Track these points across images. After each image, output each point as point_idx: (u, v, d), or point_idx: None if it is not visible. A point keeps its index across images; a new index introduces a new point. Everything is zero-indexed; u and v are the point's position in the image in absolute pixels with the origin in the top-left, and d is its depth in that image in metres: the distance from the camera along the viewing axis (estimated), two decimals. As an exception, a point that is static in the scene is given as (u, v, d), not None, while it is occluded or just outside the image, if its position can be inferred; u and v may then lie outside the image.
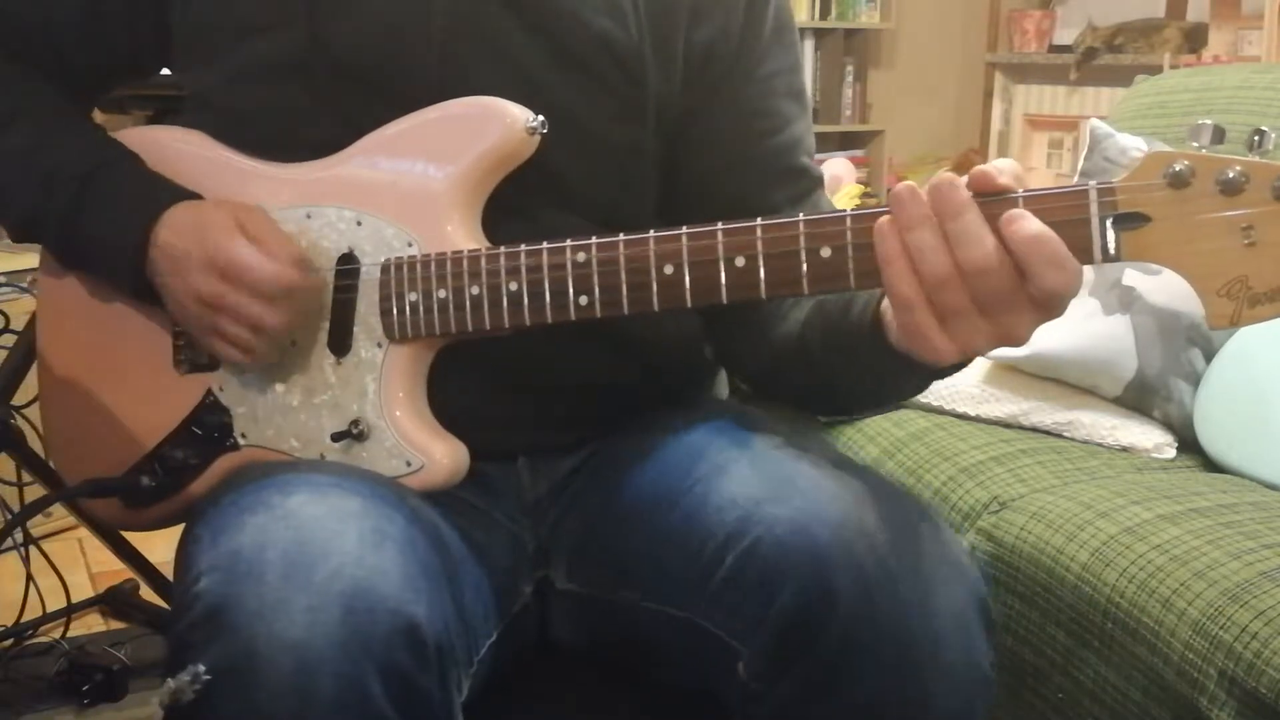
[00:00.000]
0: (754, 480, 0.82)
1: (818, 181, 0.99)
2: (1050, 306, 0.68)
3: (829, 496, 0.79)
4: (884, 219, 0.70)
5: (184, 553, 0.79)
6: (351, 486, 0.78)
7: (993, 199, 0.69)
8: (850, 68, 4.20)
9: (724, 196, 0.94)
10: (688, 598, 0.82)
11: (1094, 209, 0.68)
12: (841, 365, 0.85)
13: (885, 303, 0.76)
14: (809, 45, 4.03)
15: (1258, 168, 0.66)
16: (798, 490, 0.80)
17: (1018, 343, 0.70)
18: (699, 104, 0.94)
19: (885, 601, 0.74)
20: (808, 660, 0.76)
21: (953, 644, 0.76)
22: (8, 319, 1.59)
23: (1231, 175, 0.66)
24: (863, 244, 0.72)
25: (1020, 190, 0.69)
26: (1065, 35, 3.90)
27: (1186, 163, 0.67)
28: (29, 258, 2.02)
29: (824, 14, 4.06)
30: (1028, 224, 0.67)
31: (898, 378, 0.82)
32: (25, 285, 1.88)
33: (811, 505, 0.78)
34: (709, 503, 0.83)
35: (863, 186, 2.57)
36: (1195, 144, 0.68)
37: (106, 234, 0.91)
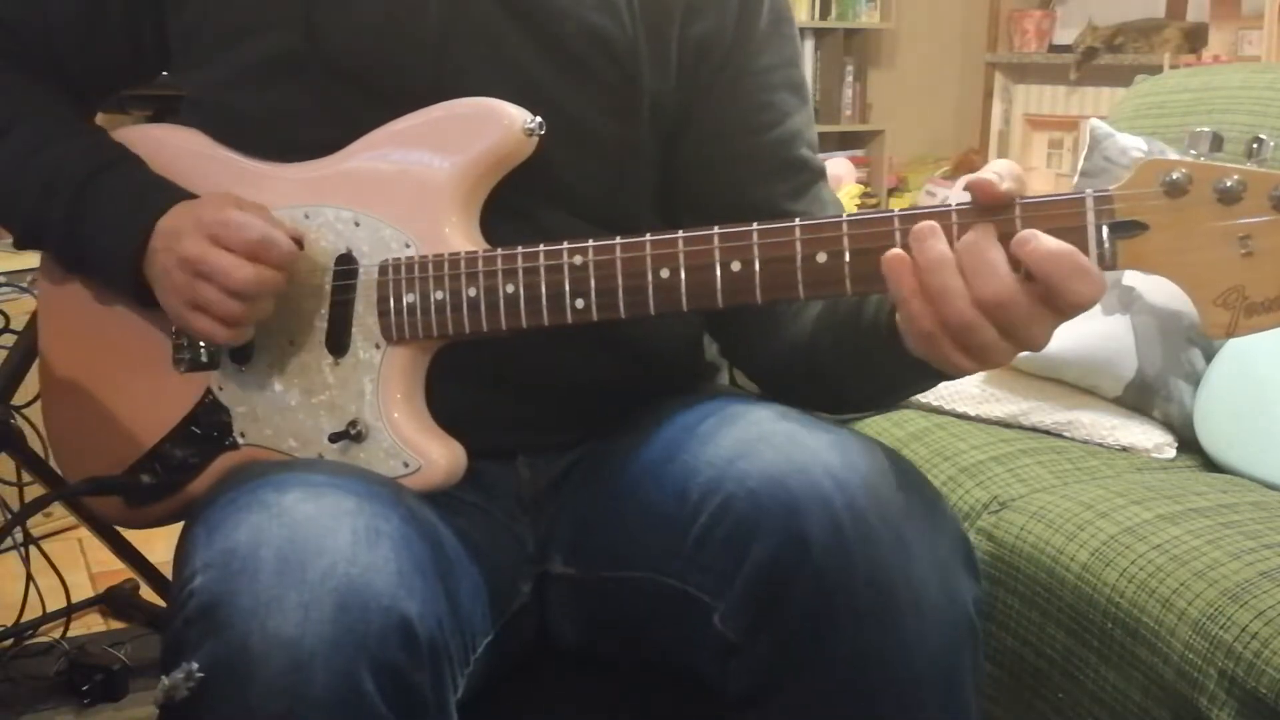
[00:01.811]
0: (732, 441, 0.82)
1: (819, 174, 0.98)
2: (1075, 314, 0.69)
3: (805, 449, 0.78)
4: (896, 254, 0.70)
5: (181, 551, 0.80)
6: (347, 485, 0.78)
7: (990, 209, 0.68)
8: (850, 68, 4.20)
9: (723, 191, 0.94)
10: (669, 563, 0.82)
11: (1090, 217, 0.68)
12: (853, 367, 0.85)
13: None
14: (809, 45, 4.03)
15: (1256, 177, 0.66)
16: (772, 446, 0.79)
17: (1037, 349, 0.70)
18: (695, 99, 0.94)
19: (860, 548, 0.74)
20: (784, 611, 0.75)
21: (933, 588, 0.75)
22: (8, 319, 1.59)
23: (1229, 184, 0.66)
24: (859, 250, 0.72)
25: (1019, 196, 0.69)
26: (1065, 35, 3.90)
27: (1184, 171, 0.66)
28: (29, 258, 2.02)
29: (824, 14, 4.06)
30: (1043, 241, 0.67)
31: (910, 381, 0.83)
32: (25, 285, 1.88)
33: (785, 457, 0.77)
34: (689, 468, 0.82)
35: (863, 186, 2.57)
36: (1194, 151, 0.68)
37: (106, 238, 0.91)
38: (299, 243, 0.86)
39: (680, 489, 0.82)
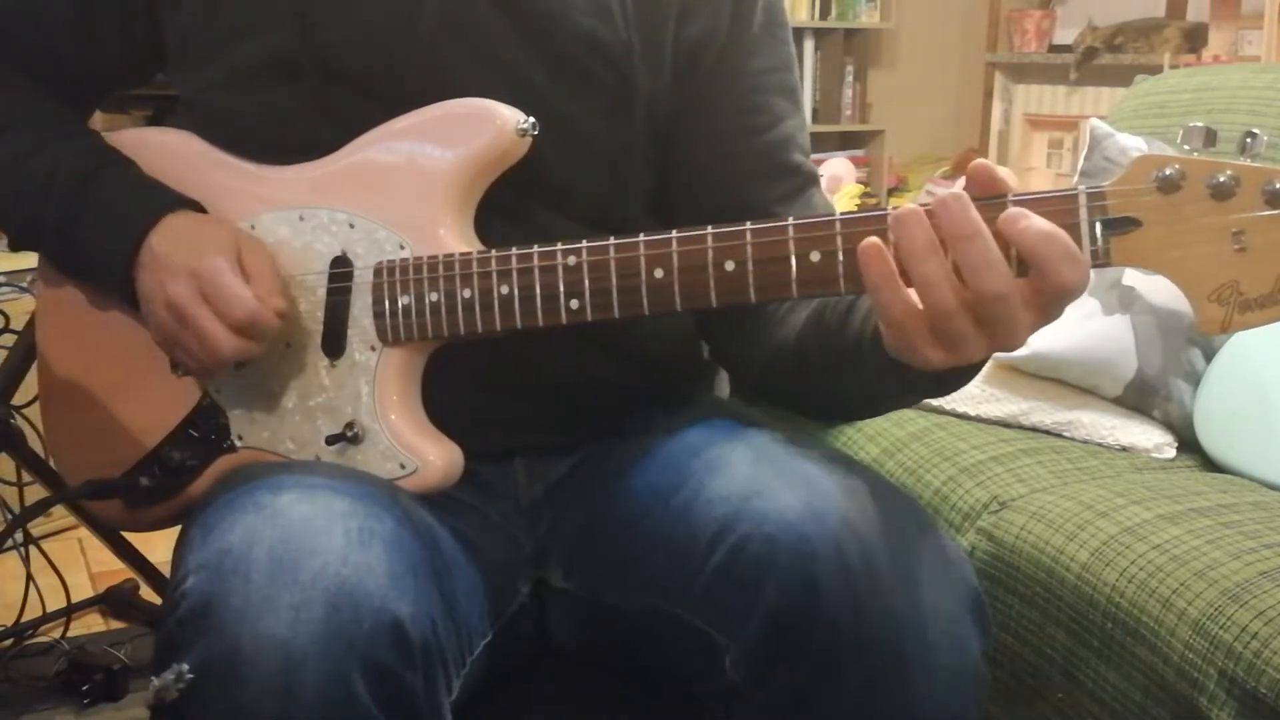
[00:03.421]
0: (745, 476, 0.82)
1: (811, 179, 0.98)
2: (1056, 308, 0.68)
3: (819, 493, 0.78)
4: (871, 241, 0.69)
5: (177, 552, 0.80)
6: (342, 487, 0.78)
7: (983, 204, 0.68)
8: (850, 68, 4.20)
9: (715, 194, 0.94)
10: (678, 595, 0.82)
11: (1083, 213, 0.68)
12: (840, 376, 0.85)
13: None
14: (809, 45, 4.03)
15: (1248, 172, 0.65)
16: (788, 486, 0.79)
17: (1013, 349, 0.69)
18: (689, 102, 0.94)
19: (873, 600, 0.74)
20: (795, 659, 0.75)
21: (944, 642, 0.75)
22: (8, 319, 1.60)
23: (1222, 179, 0.65)
24: (853, 249, 0.72)
25: (1011, 193, 0.69)
26: (1065, 35, 3.90)
27: (1177, 166, 0.66)
28: (29, 258, 2.02)
29: (824, 14, 4.06)
30: (1035, 222, 0.66)
31: (896, 393, 0.82)
32: (25, 285, 1.88)
33: (801, 502, 0.77)
34: (700, 499, 0.82)
35: (863, 186, 2.56)
36: (1187, 147, 0.67)
37: (100, 241, 0.91)
38: (283, 315, 0.86)
39: (691, 521, 0.82)
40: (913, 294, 0.69)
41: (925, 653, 0.75)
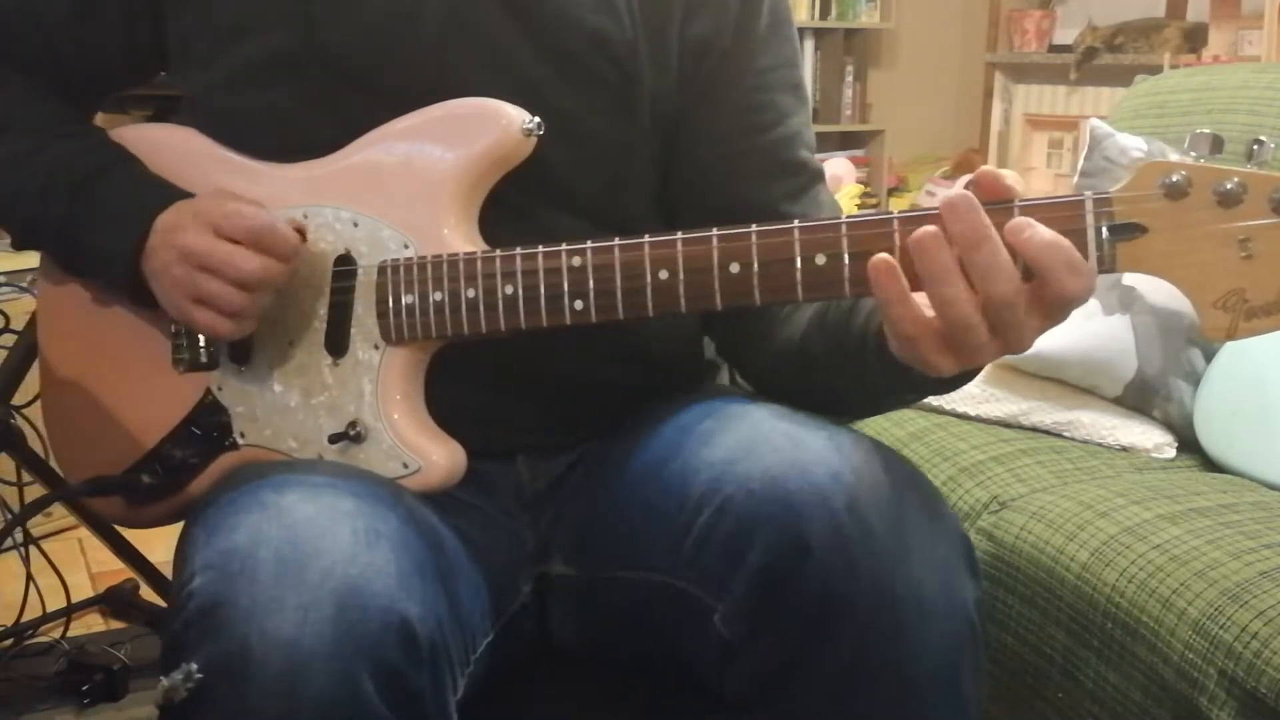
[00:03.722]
0: (733, 442, 0.82)
1: (817, 175, 0.98)
2: (1060, 313, 0.68)
3: (807, 451, 0.78)
4: (882, 259, 0.69)
5: (181, 552, 0.80)
6: (346, 486, 0.78)
7: (988, 209, 0.68)
8: (850, 68, 4.20)
9: (721, 192, 0.94)
10: (669, 563, 0.82)
11: (1090, 219, 0.68)
12: (843, 373, 0.85)
13: None
14: (809, 45, 4.03)
15: (1256, 179, 0.65)
16: (772, 447, 0.79)
17: (1020, 352, 0.70)
18: (695, 99, 0.94)
19: (861, 549, 0.74)
20: (784, 613, 0.75)
21: (934, 589, 0.75)
22: (8, 319, 1.60)
23: (1229, 186, 0.65)
24: (858, 252, 0.72)
25: (1017, 199, 0.69)
26: (1065, 35, 3.90)
27: (1184, 173, 0.66)
28: (29, 258, 2.02)
29: (824, 14, 4.06)
30: (1039, 231, 0.66)
31: (899, 392, 0.82)
32: (25, 285, 1.88)
33: (785, 458, 0.77)
34: (690, 468, 0.82)
35: (863, 186, 2.57)
36: (1194, 153, 0.68)
37: (103, 236, 0.91)
38: (301, 234, 0.86)
39: (680, 489, 0.82)
40: (925, 308, 0.69)
41: (917, 601, 0.74)
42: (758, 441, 0.80)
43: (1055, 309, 0.68)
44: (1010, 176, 0.70)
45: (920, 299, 0.69)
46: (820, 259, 0.73)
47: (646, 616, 0.87)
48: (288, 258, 0.85)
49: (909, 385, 0.77)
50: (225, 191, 0.88)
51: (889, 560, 0.74)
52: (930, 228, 0.68)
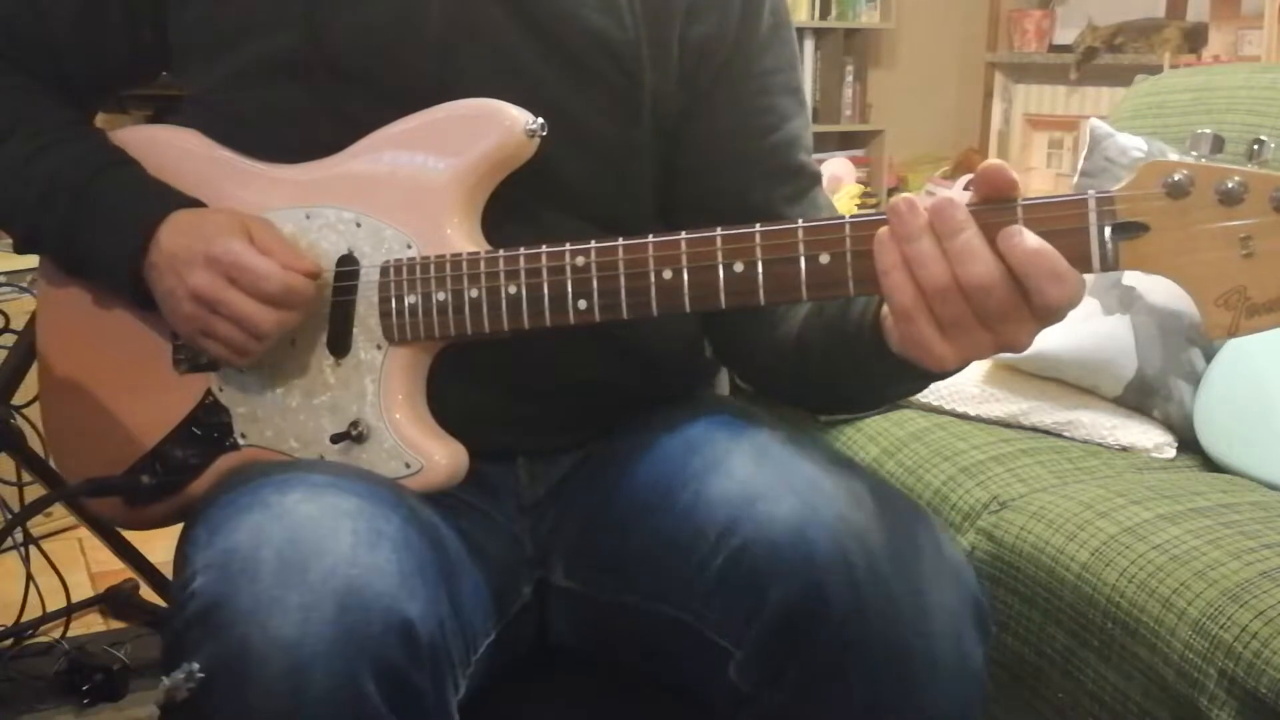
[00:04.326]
0: (748, 477, 0.82)
1: (815, 179, 0.98)
2: (1050, 317, 0.68)
3: (824, 497, 0.78)
4: (884, 229, 0.70)
5: (182, 551, 0.80)
6: (348, 486, 0.78)
7: (992, 208, 0.69)
8: (850, 68, 4.20)
9: (722, 194, 0.94)
10: (681, 598, 0.82)
11: (1092, 218, 0.68)
12: (841, 366, 0.85)
13: (886, 308, 0.76)
14: (809, 45, 4.03)
15: (1257, 178, 0.66)
16: (792, 489, 0.79)
17: (1018, 350, 0.70)
18: (696, 101, 0.94)
19: (877, 604, 0.74)
20: (799, 663, 0.76)
21: (946, 647, 0.76)
22: (8, 319, 1.59)
23: (1230, 185, 0.66)
24: (861, 250, 0.72)
25: (1019, 198, 0.69)
26: (1065, 35, 3.91)
27: (1185, 172, 0.66)
28: (29, 258, 2.02)
29: (824, 14, 4.06)
30: (1025, 239, 0.67)
31: (898, 380, 0.82)
32: (25, 285, 1.88)
33: (805, 505, 0.78)
34: (702, 500, 0.83)
35: (863, 186, 2.56)
36: (1195, 153, 0.68)
37: (105, 242, 0.91)
38: (313, 276, 0.86)
39: (694, 523, 0.82)
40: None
41: (931, 659, 0.75)
42: (772, 481, 0.81)
43: (1042, 314, 0.68)
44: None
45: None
46: (824, 258, 0.74)
47: (655, 644, 0.88)
48: (301, 310, 0.86)
49: (906, 371, 0.77)
50: (233, 220, 0.87)
51: (905, 617, 0.75)
52: (907, 195, 0.70)
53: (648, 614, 0.86)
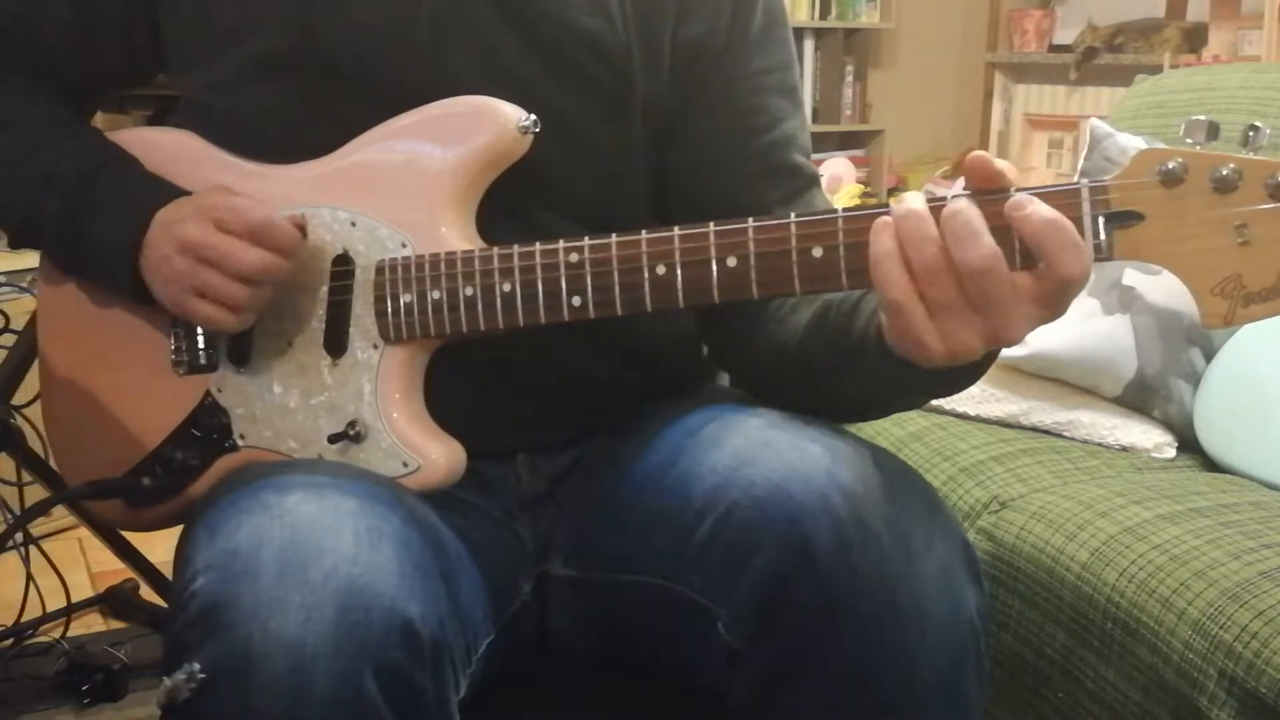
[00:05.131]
0: (736, 448, 0.82)
1: (812, 180, 0.98)
2: (1059, 299, 0.68)
3: (807, 456, 0.78)
4: (883, 218, 0.70)
5: (182, 552, 0.80)
6: (348, 486, 0.78)
7: (986, 197, 0.68)
8: (850, 68, 4.20)
9: (715, 195, 0.94)
10: (673, 568, 0.82)
11: (1086, 207, 0.68)
12: (843, 377, 0.85)
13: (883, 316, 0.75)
14: (809, 45, 4.03)
15: (1251, 165, 0.65)
16: (775, 452, 0.79)
17: (1012, 342, 0.69)
18: (688, 102, 0.94)
19: (864, 555, 0.74)
20: (788, 618, 0.75)
21: (937, 595, 0.75)
22: (8, 319, 1.60)
23: (1225, 172, 0.65)
24: (854, 243, 0.72)
25: (1013, 187, 0.69)
26: (1065, 35, 3.90)
27: (1180, 160, 0.66)
28: (29, 258, 2.02)
29: (824, 14, 4.06)
30: (1039, 208, 0.66)
31: (901, 392, 0.82)
32: (25, 285, 1.88)
33: (789, 464, 0.77)
34: (693, 473, 0.83)
35: (863, 186, 2.57)
36: (1190, 140, 0.67)
37: (102, 236, 0.91)
38: (302, 230, 0.86)
39: (683, 494, 0.82)
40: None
41: (920, 607, 0.74)
42: (761, 446, 0.80)
43: (1055, 295, 0.67)
44: (1002, 163, 0.70)
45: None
46: (817, 251, 0.74)
47: (648, 620, 0.87)
48: (289, 252, 0.85)
49: (909, 384, 0.77)
50: (225, 187, 0.88)
51: (892, 566, 0.74)
52: (911, 192, 0.70)
53: (641, 589, 0.85)
